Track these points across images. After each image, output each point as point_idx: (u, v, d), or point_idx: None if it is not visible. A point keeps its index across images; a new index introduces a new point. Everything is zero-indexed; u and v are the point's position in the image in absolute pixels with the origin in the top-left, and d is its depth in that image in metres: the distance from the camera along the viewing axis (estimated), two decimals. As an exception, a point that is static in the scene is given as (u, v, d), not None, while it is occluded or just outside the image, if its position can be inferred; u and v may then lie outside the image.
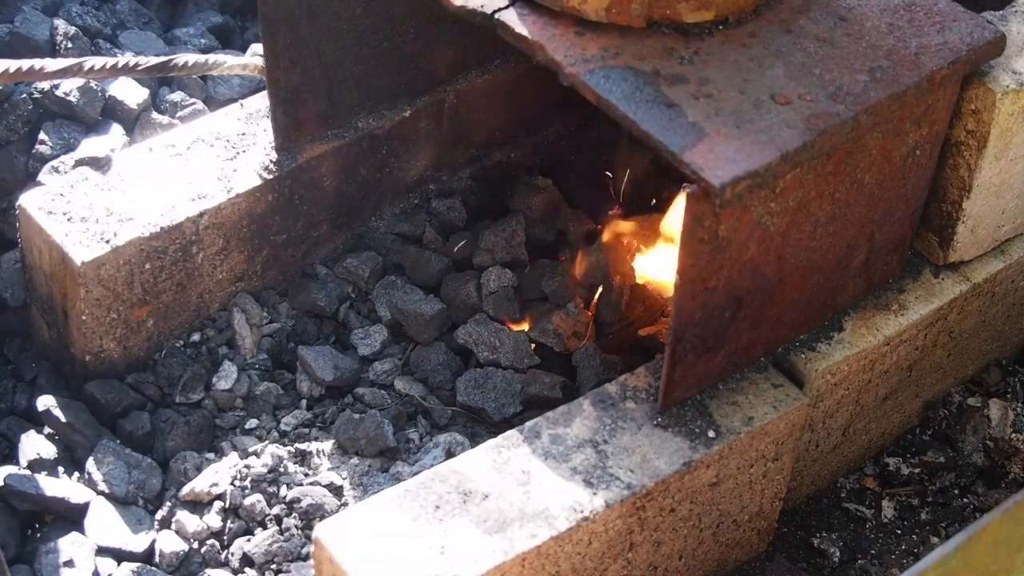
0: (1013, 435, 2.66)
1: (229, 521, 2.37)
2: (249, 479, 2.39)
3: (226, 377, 2.56)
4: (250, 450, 2.46)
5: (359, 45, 2.58)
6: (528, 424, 2.18)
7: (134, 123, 2.85)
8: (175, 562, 2.33)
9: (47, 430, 2.48)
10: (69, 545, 2.31)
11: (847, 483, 2.64)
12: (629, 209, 2.89)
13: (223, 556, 2.35)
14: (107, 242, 2.42)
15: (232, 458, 2.44)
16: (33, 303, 2.59)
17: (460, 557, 1.98)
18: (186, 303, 2.58)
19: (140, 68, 2.59)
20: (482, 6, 2.18)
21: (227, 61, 2.69)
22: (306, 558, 2.31)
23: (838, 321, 2.43)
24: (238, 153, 2.60)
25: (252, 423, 2.53)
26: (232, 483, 2.39)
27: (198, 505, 2.40)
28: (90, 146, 2.74)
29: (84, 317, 2.44)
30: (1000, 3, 2.55)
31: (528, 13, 2.17)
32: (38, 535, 2.37)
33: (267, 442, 2.49)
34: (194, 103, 2.94)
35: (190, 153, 2.60)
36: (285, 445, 2.47)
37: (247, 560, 2.33)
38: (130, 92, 2.87)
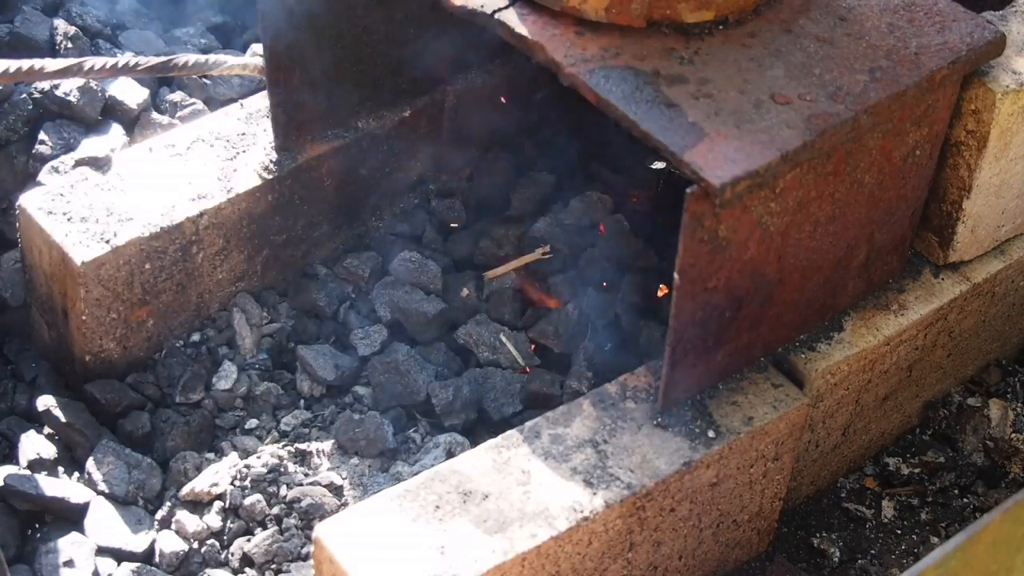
0: (1013, 435, 2.66)
1: (229, 521, 2.37)
2: (249, 479, 2.39)
3: (226, 377, 2.56)
4: (250, 450, 2.46)
5: (359, 45, 2.58)
6: (528, 424, 2.18)
7: (134, 123, 2.85)
8: (175, 562, 2.33)
9: (47, 430, 2.48)
10: (69, 545, 2.31)
11: (847, 483, 2.64)
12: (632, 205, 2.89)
13: (223, 556, 2.35)
14: (107, 242, 2.42)
15: (232, 458, 2.44)
16: (33, 303, 2.59)
17: (460, 557, 1.98)
18: (186, 303, 2.58)
19: (140, 68, 2.60)
20: (482, 6, 2.18)
21: (227, 61, 2.69)
22: (306, 558, 2.31)
23: (838, 321, 2.43)
24: (238, 153, 2.60)
25: (252, 423, 2.53)
26: (232, 483, 2.39)
27: (198, 505, 2.40)
28: (90, 146, 2.74)
29: (84, 317, 2.44)
30: (1000, 3, 2.55)
31: (528, 13, 2.17)
32: (38, 535, 2.37)
33: (267, 442, 2.49)
34: (194, 103, 2.94)
35: (190, 153, 2.60)
36: (285, 445, 2.47)
37: (247, 560, 2.33)
38: (130, 92, 2.87)
